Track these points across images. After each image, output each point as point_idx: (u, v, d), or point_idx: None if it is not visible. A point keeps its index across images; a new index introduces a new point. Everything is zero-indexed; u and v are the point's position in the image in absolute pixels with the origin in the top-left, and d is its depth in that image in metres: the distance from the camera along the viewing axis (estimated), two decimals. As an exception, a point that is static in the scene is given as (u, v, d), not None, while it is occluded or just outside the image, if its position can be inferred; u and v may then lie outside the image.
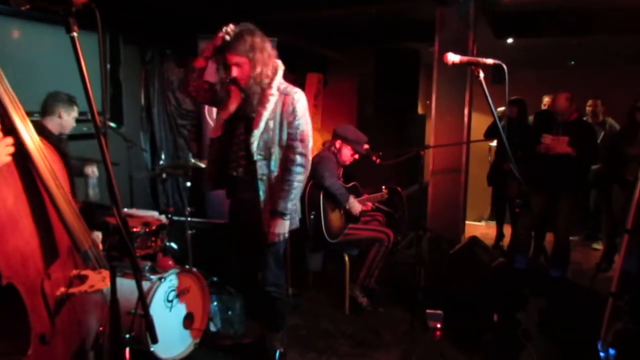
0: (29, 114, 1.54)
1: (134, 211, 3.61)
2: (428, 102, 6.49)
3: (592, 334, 3.00)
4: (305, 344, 3.39)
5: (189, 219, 3.59)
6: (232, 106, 2.67)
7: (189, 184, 3.79)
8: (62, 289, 1.62)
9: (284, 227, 2.66)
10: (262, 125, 2.57)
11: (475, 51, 4.57)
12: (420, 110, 7.21)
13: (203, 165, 3.82)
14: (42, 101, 3.28)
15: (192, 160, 3.65)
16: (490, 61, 2.30)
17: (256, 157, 2.60)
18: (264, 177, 2.63)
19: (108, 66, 4.96)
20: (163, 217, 3.41)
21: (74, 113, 3.33)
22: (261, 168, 2.62)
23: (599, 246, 5.90)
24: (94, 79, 1.48)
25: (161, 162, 4.02)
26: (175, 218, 3.66)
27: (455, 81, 4.56)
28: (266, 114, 2.57)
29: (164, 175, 3.62)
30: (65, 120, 3.27)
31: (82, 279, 1.65)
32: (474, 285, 3.74)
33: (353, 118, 7.12)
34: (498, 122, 2.43)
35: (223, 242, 3.77)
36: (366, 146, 4.03)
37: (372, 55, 6.42)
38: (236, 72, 2.52)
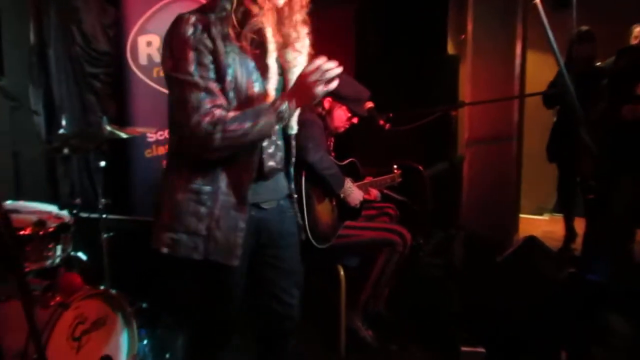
0: None
1: (21, 205, 3.56)
2: (462, 36, 6.47)
3: None
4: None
5: (104, 215, 3.56)
6: None
7: (103, 163, 3.75)
8: None
9: None
10: None
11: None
12: (450, 50, 7.19)
13: (125, 135, 3.79)
14: None
15: (109, 128, 3.63)
16: None
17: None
18: None
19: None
20: (65, 214, 3.38)
21: None
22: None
23: None
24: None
25: (61, 131, 3.98)
26: (84, 215, 3.64)
27: (500, 4, 4.55)
28: None
29: (66, 151, 3.58)
30: None
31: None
32: (531, 309, 3.77)
33: (348, 63, 7.08)
34: (563, 69, 2.44)
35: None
36: (369, 105, 4.02)
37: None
38: None
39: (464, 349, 3.69)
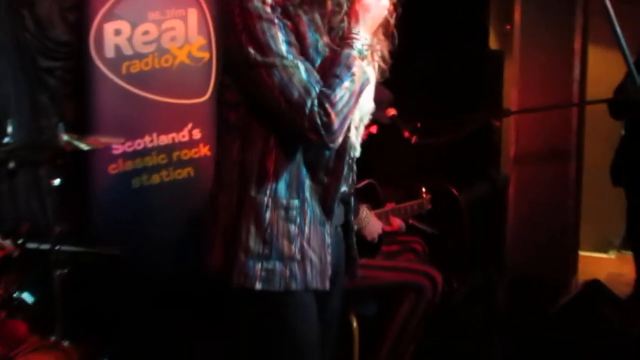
0: None
1: (-46, 232, 3.56)
2: (507, 27, 6.48)
3: None
4: None
5: (57, 247, 3.55)
6: None
7: (58, 181, 3.73)
8: None
9: None
10: None
11: None
12: (492, 44, 7.20)
13: (86, 147, 3.78)
14: None
15: (66, 137, 3.62)
16: None
17: None
18: None
19: None
20: (8, 244, 3.37)
21: None
22: None
23: None
24: None
25: (6, 140, 3.98)
26: (32, 246, 3.61)
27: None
28: None
29: (11, 165, 3.57)
30: None
31: None
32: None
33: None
34: (634, 71, 2.43)
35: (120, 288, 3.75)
36: (391, 111, 4.01)
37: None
38: None
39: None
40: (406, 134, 4.04)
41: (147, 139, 5.17)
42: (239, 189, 2.32)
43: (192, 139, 5.34)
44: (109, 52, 5.00)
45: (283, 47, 2.18)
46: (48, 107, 5.66)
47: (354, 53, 2.27)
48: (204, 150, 5.39)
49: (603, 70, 5.41)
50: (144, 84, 5.12)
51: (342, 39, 2.30)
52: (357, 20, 2.30)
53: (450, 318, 4.82)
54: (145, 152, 5.17)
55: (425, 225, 4.41)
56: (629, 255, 6.35)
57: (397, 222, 4.18)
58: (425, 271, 4.06)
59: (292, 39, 2.22)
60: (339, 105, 2.20)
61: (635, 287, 5.94)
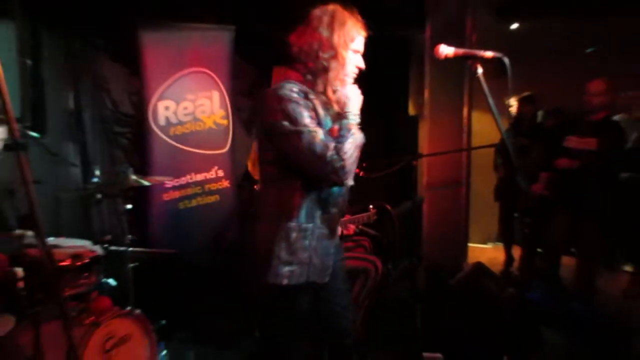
0: None
1: (61, 241, 3.55)
2: (421, 101, 6.55)
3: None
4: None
5: (129, 249, 3.56)
6: None
7: (129, 206, 3.75)
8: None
9: None
10: None
11: (474, 39, 4.64)
12: (411, 111, 7.27)
13: (147, 183, 3.80)
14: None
15: (133, 177, 3.63)
16: (489, 54, 2.38)
17: None
18: None
19: (28, 62, 4.90)
20: (97, 248, 3.38)
21: None
22: None
23: (630, 268, 5.96)
24: (12, 78, 1.49)
25: (95, 180, 3.98)
26: (113, 248, 3.63)
27: (451, 75, 4.63)
28: None
29: (99, 196, 3.59)
30: None
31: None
32: (479, 322, 3.77)
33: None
34: (500, 125, 2.50)
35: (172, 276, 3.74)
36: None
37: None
38: None
39: (425, 355, 3.68)
40: (356, 170, 4.07)
41: (187, 176, 5.16)
42: (277, 219, 2.38)
43: (217, 176, 5.33)
44: (161, 121, 5.00)
45: (307, 120, 2.26)
46: (121, 158, 5.66)
47: (350, 122, 2.37)
48: (225, 184, 5.39)
49: (483, 126, 5.50)
50: (185, 141, 5.12)
51: (340, 115, 2.38)
52: (347, 103, 2.41)
53: (387, 291, 4.84)
54: (186, 186, 5.16)
55: (370, 230, 4.44)
56: (500, 246, 6.41)
57: (352, 228, 4.21)
58: (371, 260, 4.08)
59: (312, 114, 2.30)
60: (348, 154, 2.30)
61: (504, 267, 6.00)
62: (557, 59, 7.70)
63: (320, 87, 2.39)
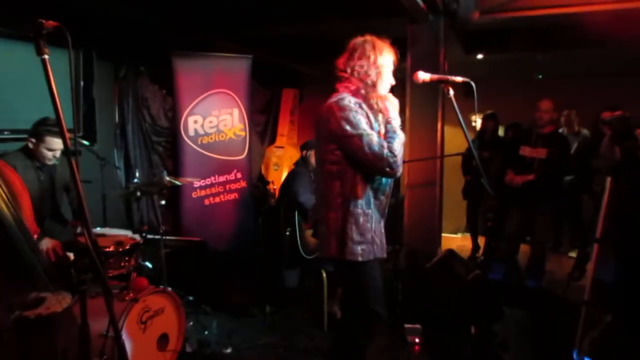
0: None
1: (107, 230, 3.53)
2: (403, 117, 6.52)
3: (568, 343, 3.02)
4: (283, 363, 3.34)
5: (163, 237, 3.53)
6: None
7: (163, 202, 3.72)
8: (17, 312, 1.58)
9: None
10: None
11: (446, 67, 4.62)
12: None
13: (178, 183, 3.77)
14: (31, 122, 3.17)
15: (167, 178, 3.60)
16: (459, 79, 2.48)
17: None
18: None
19: (81, 83, 4.92)
20: (137, 236, 3.33)
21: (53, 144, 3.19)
22: None
23: (574, 254, 5.94)
24: (68, 96, 1.46)
25: (135, 180, 3.97)
26: (150, 237, 3.60)
27: (427, 96, 4.59)
28: None
29: (138, 194, 3.55)
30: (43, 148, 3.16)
31: (40, 302, 1.62)
32: (451, 298, 3.74)
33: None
34: (468, 138, 2.50)
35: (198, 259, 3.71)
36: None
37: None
38: None
39: (406, 325, 3.65)
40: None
41: (212, 178, 5.14)
42: (342, 207, 2.36)
43: (236, 178, 5.32)
44: (191, 132, 5.00)
45: (364, 125, 2.29)
46: (157, 162, 5.66)
47: (394, 125, 2.40)
48: (242, 184, 5.37)
49: (452, 139, 5.48)
50: (210, 149, 5.11)
51: (387, 121, 2.40)
52: (390, 110, 2.43)
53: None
54: (211, 185, 5.14)
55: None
56: (468, 235, 6.40)
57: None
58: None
59: (367, 120, 2.32)
60: (397, 151, 2.32)
61: (471, 253, 5.99)
62: (514, 83, 7.73)
63: (369, 98, 2.39)
